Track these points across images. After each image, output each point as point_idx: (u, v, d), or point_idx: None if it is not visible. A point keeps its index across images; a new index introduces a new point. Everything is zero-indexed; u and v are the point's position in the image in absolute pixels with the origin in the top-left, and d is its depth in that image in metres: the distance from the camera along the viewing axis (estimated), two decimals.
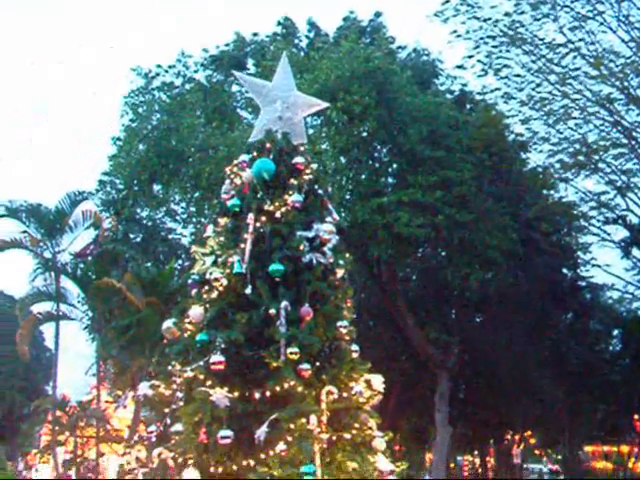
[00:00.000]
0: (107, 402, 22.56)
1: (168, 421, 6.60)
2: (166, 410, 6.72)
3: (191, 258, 8.09)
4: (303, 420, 5.96)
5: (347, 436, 6.28)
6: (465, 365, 35.69)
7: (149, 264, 25.68)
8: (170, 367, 6.77)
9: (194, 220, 33.62)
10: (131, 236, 33.73)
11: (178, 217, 36.56)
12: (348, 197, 27.31)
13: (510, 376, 36.17)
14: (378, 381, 6.90)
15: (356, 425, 6.45)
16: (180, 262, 31.59)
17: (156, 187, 34.74)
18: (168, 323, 7.04)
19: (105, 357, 20.79)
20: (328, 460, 6.05)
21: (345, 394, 6.43)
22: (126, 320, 18.53)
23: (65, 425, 20.03)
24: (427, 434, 46.09)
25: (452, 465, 35.19)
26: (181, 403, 6.45)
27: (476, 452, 53.67)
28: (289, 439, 5.90)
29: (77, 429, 20.09)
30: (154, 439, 6.66)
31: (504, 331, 35.08)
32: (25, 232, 19.73)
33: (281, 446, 5.88)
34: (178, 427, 6.30)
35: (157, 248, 33.63)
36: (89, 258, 20.79)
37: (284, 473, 5.72)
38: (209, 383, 6.18)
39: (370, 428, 6.68)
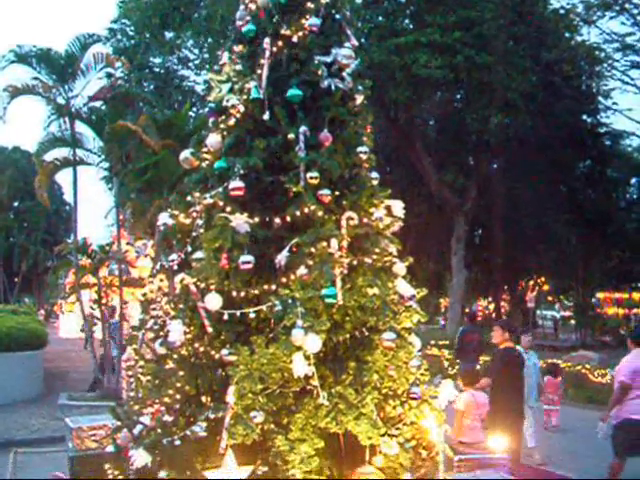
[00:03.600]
0: (128, 244, 22.87)
1: (189, 249, 6.61)
2: (187, 239, 6.72)
3: (205, 105, 7.91)
4: (324, 244, 5.94)
5: (368, 261, 6.28)
6: (482, 210, 35.91)
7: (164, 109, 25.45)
8: (189, 197, 6.72)
9: (207, 67, 33.11)
10: (144, 84, 33.36)
11: (191, 64, 36.06)
12: (364, 40, 26.66)
13: (526, 221, 36.44)
14: (398, 207, 6.85)
15: (377, 250, 6.45)
16: (195, 109, 31.33)
17: (168, 34, 34.06)
18: (186, 153, 6.94)
19: (123, 201, 20.94)
20: (349, 286, 6.06)
21: (365, 220, 6.38)
22: (143, 163, 18.53)
23: (88, 268, 20.42)
24: (443, 280, 47.03)
25: (467, 310, 35.88)
26: (201, 230, 6.44)
27: (490, 298, 54.76)
28: (310, 263, 5.90)
29: (99, 272, 20.47)
30: (175, 267, 6.69)
31: (521, 176, 35.02)
32: (36, 78, 19.46)
33: (302, 270, 5.88)
34: (199, 254, 6.31)
35: (171, 95, 33.35)
36: (103, 103, 20.56)
37: (305, 295, 5.75)
38: (229, 209, 6.14)
39: (390, 254, 6.69)
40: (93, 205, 52.92)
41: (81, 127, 19.81)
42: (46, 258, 63.54)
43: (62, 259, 25.27)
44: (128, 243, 23.26)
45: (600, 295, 53.38)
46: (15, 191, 63.28)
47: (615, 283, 50.87)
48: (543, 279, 53.56)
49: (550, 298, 67.55)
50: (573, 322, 51.34)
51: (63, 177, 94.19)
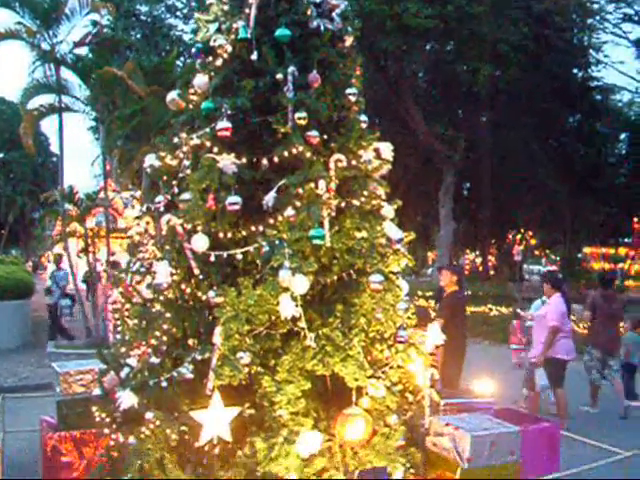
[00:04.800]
0: (114, 191, 22.69)
1: (176, 190, 6.54)
2: (173, 181, 6.64)
3: (192, 53, 7.76)
4: (311, 185, 5.89)
5: (356, 203, 6.24)
6: (470, 162, 35.82)
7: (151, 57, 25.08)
8: (176, 139, 6.62)
9: (195, 15, 32.58)
10: (131, 33, 32.87)
11: (179, 13, 35.51)
12: None
13: (515, 174, 36.41)
14: (387, 149, 6.77)
15: (365, 193, 6.40)
16: (182, 59, 30.93)
17: None
18: (172, 94, 6.82)
19: (110, 149, 20.72)
20: (337, 228, 6.02)
21: (354, 162, 6.32)
22: (129, 109, 18.34)
23: (75, 217, 20.30)
24: (431, 232, 47.11)
25: (454, 263, 36.03)
26: (188, 171, 6.36)
27: (478, 251, 54.98)
28: (297, 204, 5.86)
29: (86, 221, 20.38)
30: (162, 209, 6.62)
31: (511, 129, 34.91)
32: (20, 23, 19.17)
33: (289, 211, 5.84)
34: (186, 195, 6.24)
35: (158, 44, 32.85)
36: (89, 49, 20.30)
37: (293, 237, 5.72)
38: (216, 150, 6.07)
39: (379, 196, 6.64)
40: (80, 156, 52.68)
41: (67, 74, 19.59)
42: (33, 210, 63.16)
43: (49, 208, 25.10)
44: (114, 191, 23.08)
45: (587, 250, 53.67)
46: (1, 142, 62.63)
47: (602, 238, 51.12)
48: (530, 233, 53.78)
49: (537, 252, 67.90)
50: (560, 276, 51.67)
51: (49, 128, 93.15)
